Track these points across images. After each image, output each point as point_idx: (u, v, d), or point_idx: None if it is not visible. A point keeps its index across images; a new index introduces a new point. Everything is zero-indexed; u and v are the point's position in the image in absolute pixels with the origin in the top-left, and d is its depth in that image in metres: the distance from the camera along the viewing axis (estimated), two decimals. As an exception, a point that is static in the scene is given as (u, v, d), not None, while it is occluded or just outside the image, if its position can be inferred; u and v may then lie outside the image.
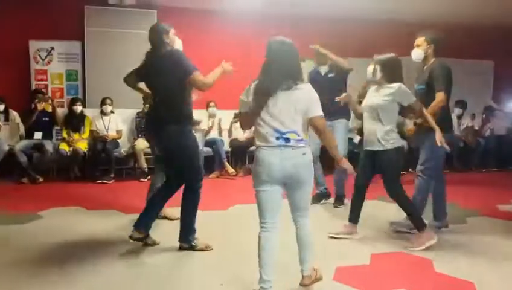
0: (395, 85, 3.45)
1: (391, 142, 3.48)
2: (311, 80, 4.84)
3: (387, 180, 3.55)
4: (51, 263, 3.10)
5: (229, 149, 7.23)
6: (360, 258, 3.26)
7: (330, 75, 4.93)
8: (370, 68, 3.61)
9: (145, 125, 3.54)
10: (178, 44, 3.49)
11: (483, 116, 8.18)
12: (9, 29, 6.79)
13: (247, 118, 2.56)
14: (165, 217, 4.10)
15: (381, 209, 4.59)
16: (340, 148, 4.05)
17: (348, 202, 4.65)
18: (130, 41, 6.88)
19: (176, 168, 3.38)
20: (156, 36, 3.31)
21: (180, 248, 3.38)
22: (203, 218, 4.35)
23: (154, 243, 3.47)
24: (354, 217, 3.73)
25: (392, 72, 3.50)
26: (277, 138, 2.43)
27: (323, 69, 4.97)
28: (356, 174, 3.59)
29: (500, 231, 4.00)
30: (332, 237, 3.67)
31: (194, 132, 3.49)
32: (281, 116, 2.45)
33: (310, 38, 7.14)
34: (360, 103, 3.85)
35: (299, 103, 2.47)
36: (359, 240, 3.66)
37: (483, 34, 8.32)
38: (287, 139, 2.44)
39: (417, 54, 3.89)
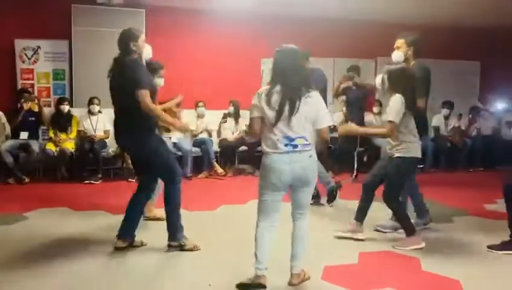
0: (393, 97, 3.43)
1: (399, 150, 3.47)
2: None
3: (385, 186, 3.57)
4: (36, 263, 3.07)
5: (218, 149, 7.21)
6: (348, 257, 3.27)
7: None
8: (378, 78, 3.63)
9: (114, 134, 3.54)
10: (147, 51, 3.42)
11: (470, 116, 8.27)
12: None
13: (258, 123, 2.61)
14: (158, 219, 4.06)
15: (373, 210, 4.60)
16: None
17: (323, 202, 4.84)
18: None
19: (148, 172, 3.40)
20: (123, 42, 3.27)
21: (169, 247, 3.36)
22: (192, 218, 4.35)
23: (141, 244, 3.45)
24: (360, 216, 3.72)
25: (394, 83, 3.47)
26: (286, 145, 2.54)
27: None
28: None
29: (487, 230, 4.05)
30: (338, 237, 3.67)
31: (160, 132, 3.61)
32: (293, 123, 2.54)
33: (299, 39, 7.11)
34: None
35: (310, 111, 2.58)
36: (347, 239, 3.68)
37: (469, 35, 8.42)
38: (295, 146, 2.55)
39: (397, 56, 3.92)
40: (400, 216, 3.62)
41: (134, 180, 6.16)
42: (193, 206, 4.76)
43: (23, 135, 6.27)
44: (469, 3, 6.67)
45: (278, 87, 2.55)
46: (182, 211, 4.40)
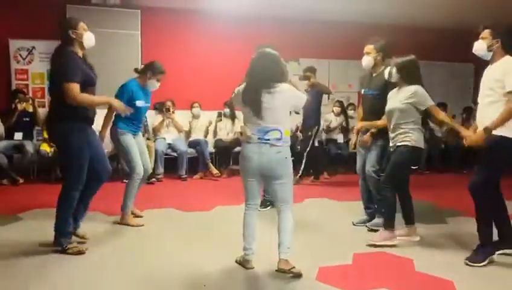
0: (413, 88, 3.50)
1: (403, 140, 3.50)
2: None
3: (385, 174, 3.65)
4: (30, 265, 3.06)
5: (213, 150, 7.21)
6: (342, 258, 3.29)
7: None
8: (386, 72, 3.68)
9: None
10: (88, 38, 3.31)
11: (463, 116, 8.31)
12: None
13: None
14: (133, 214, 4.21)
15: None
16: None
17: None
18: (114, 41, 6.82)
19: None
20: (61, 31, 3.24)
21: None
22: (187, 219, 4.36)
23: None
24: (406, 218, 3.77)
25: (409, 74, 3.53)
26: (258, 137, 2.82)
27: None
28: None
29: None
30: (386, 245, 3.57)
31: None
32: (266, 115, 2.81)
33: (294, 40, 7.20)
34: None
35: (283, 101, 2.85)
36: (341, 240, 3.69)
37: (463, 37, 8.45)
38: (267, 139, 2.81)
39: (367, 61, 3.97)
40: (386, 206, 3.63)
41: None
42: (188, 207, 4.77)
43: (18, 136, 6.24)
44: (463, 5, 6.71)
45: (243, 86, 2.91)
46: (178, 212, 4.43)
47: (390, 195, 3.59)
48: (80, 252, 3.26)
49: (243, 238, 3.00)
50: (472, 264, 3.18)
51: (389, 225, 3.59)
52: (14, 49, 6.82)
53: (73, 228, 3.42)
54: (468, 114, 8.25)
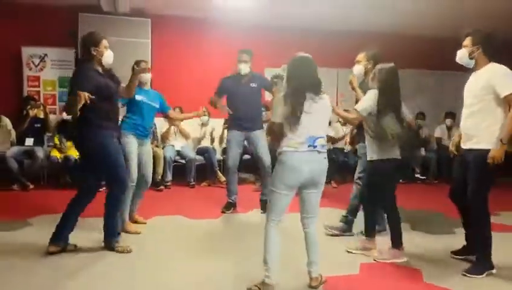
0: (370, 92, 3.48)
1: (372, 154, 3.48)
2: (226, 88, 4.92)
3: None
4: (39, 270, 3.08)
5: (221, 157, 7.23)
6: (349, 268, 3.27)
7: (252, 84, 4.90)
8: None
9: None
10: (108, 56, 3.39)
11: None
12: (2, 35, 6.77)
13: (281, 128, 2.72)
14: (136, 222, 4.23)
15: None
16: (266, 159, 4.75)
17: None
18: (124, 49, 6.86)
19: (92, 172, 3.44)
20: (84, 46, 3.34)
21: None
22: (193, 226, 4.37)
23: (75, 248, 3.51)
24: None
25: (377, 80, 3.44)
26: (308, 145, 2.68)
27: (241, 72, 4.89)
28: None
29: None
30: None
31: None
32: (313, 124, 2.71)
33: (302, 49, 7.15)
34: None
35: (326, 111, 2.82)
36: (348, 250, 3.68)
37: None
38: (315, 146, 2.70)
39: (358, 69, 4.01)
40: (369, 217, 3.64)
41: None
42: (195, 214, 4.78)
43: (29, 142, 6.32)
44: (473, 15, 6.70)
45: (290, 91, 2.73)
46: (184, 219, 4.44)
47: (370, 209, 3.61)
48: (128, 251, 3.43)
49: (265, 260, 2.69)
50: (470, 276, 3.14)
51: (371, 235, 3.61)
52: (26, 57, 6.93)
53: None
54: None
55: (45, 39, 6.89)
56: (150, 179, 4.27)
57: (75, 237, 3.52)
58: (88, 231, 3.81)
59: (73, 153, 6.36)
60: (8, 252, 3.42)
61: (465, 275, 3.14)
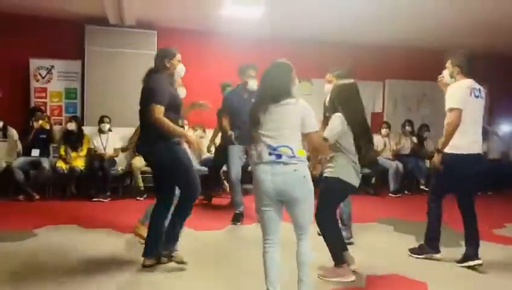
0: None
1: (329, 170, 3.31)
2: (231, 106, 4.98)
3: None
4: (45, 281, 3.08)
5: (225, 168, 7.21)
6: (355, 280, 3.25)
7: (253, 99, 4.91)
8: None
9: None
10: (179, 70, 3.53)
11: None
12: (10, 47, 6.85)
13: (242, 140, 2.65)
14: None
15: (378, 232, 4.59)
16: None
17: None
18: (130, 61, 6.96)
19: (167, 182, 3.46)
20: (158, 59, 3.44)
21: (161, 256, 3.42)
22: (198, 237, 4.36)
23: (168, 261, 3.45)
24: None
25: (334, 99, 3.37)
26: (269, 154, 2.50)
27: (250, 88, 4.93)
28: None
29: (496, 255, 4.01)
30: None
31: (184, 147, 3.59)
32: (273, 132, 2.53)
33: (306, 61, 7.29)
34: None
35: (290, 118, 2.55)
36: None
37: (479, 60, 8.45)
38: (278, 155, 2.49)
39: (328, 88, 4.04)
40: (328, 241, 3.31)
41: (142, 198, 6.22)
42: (200, 225, 4.77)
43: (35, 152, 6.36)
44: (483, 30, 6.75)
45: (256, 98, 2.70)
46: (189, 230, 4.44)
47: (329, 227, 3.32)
48: (182, 262, 3.39)
49: (266, 282, 2.57)
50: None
51: (338, 262, 3.28)
52: (34, 68, 7.00)
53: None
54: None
55: (52, 51, 6.97)
56: None
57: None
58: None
59: (79, 164, 6.41)
60: (14, 263, 3.43)
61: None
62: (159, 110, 3.17)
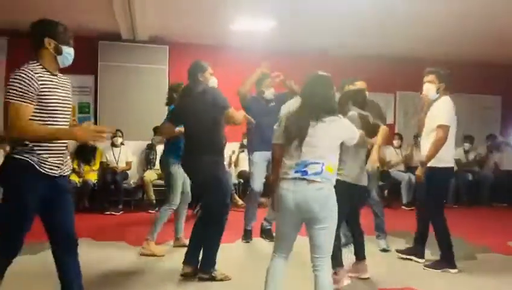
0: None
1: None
2: (251, 108, 4.72)
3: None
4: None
5: (237, 181, 7.23)
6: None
7: (271, 104, 4.81)
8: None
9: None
10: (212, 82, 3.67)
11: (488, 144, 8.16)
12: (25, 62, 6.97)
13: (278, 149, 2.56)
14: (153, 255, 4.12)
15: (391, 244, 4.54)
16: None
17: None
18: (142, 76, 7.06)
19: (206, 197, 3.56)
20: (192, 73, 3.55)
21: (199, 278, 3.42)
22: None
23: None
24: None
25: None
26: (296, 171, 2.39)
27: (267, 97, 4.88)
28: None
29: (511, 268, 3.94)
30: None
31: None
32: (307, 148, 2.40)
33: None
34: None
35: (331, 136, 2.46)
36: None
37: (490, 70, 8.41)
38: (305, 172, 2.37)
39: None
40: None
41: (154, 211, 6.25)
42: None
43: (49, 166, 6.43)
44: (494, 41, 6.72)
45: (294, 112, 2.52)
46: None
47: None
48: (227, 278, 3.43)
49: None
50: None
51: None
52: (48, 84, 7.11)
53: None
54: (492, 143, 8.09)
55: (66, 67, 7.07)
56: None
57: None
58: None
59: (92, 177, 6.47)
60: (28, 276, 3.46)
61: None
62: (234, 111, 3.45)
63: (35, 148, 2.27)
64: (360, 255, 3.61)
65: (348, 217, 3.41)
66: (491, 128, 8.69)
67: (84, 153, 6.66)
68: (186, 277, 3.42)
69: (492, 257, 4.34)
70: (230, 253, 4.34)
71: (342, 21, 6.01)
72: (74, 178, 6.41)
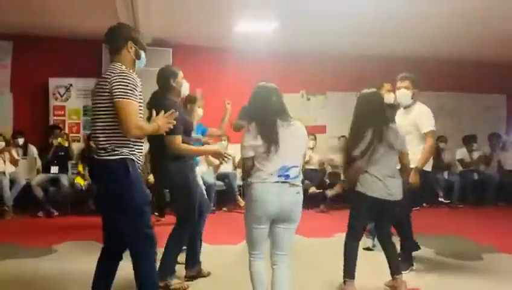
0: None
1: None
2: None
3: None
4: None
5: (241, 183, 7.23)
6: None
7: None
8: None
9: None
10: (185, 87, 3.53)
11: (491, 142, 8.08)
12: (32, 67, 7.03)
13: (251, 161, 2.54)
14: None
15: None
16: None
17: None
18: (146, 79, 6.94)
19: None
20: (163, 79, 3.37)
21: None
22: (213, 252, 4.36)
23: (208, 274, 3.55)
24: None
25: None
26: (279, 175, 2.47)
27: None
28: None
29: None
30: None
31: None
32: (287, 150, 2.49)
33: (317, 74, 7.29)
34: None
35: (299, 137, 2.60)
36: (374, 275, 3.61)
37: (495, 69, 8.37)
38: (287, 176, 2.48)
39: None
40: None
41: (157, 213, 6.24)
42: (215, 240, 4.77)
43: (54, 169, 6.47)
44: (495, 38, 6.68)
45: (253, 123, 2.54)
46: (204, 245, 4.44)
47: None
48: (182, 288, 3.27)
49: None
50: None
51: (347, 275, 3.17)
52: (52, 87, 7.16)
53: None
54: (495, 141, 8.01)
55: (70, 70, 7.12)
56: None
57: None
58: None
59: (97, 180, 6.49)
60: (34, 279, 3.47)
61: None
62: (175, 141, 3.09)
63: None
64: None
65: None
66: (496, 127, 8.63)
67: (89, 156, 6.68)
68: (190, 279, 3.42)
69: (499, 257, 4.31)
70: (231, 254, 4.34)
71: (344, 22, 6.01)
72: (79, 181, 6.44)
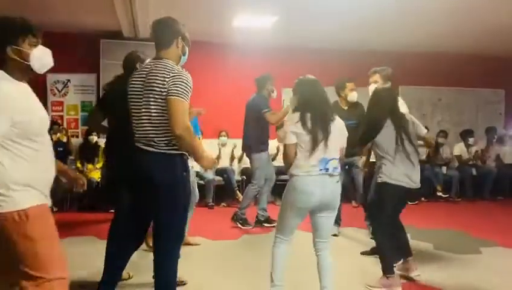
0: None
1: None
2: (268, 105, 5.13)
3: None
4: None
5: (240, 178, 7.24)
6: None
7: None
8: None
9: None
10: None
11: (487, 136, 8.08)
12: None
13: (294, 149, 2.61)
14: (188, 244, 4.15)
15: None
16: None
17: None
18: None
19: None
20: (131, 63, 3.29)
21: None
22: (214, 247, 4.37)
23: (129, 277, 3.39)
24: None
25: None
26: (320, 168, 2.58)
27: (274, 98, 5.39)
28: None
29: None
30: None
31: None
32: (328, 146, 2.60)
33: (318, 68, 7.27)
34: None
35: (340, 131, 2.71)
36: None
37: (493, 64, 8.37)
38: (327, 169, 2.59)
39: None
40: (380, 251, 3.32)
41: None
42: (215, 235, 4.78)
43: (53, 165, 6.45)
44: (493, 32, 6.68)
45: (308, 115, 2.61)
46: (205, 240, 4.45)
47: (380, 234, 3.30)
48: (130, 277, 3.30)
49: (272, 275, 2.68)
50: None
51: (386, 271, 3.19)
52: (50, 83, 7.14)
53: None
54: (491, 136, 8.00)
55: (68, 65, 7.09)
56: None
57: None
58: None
59: (95, 176, 6.49)
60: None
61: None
62: None
63: None
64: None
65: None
66: (495, 122, 8.64)
67: (88, 152, 6.68)
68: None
69: (497, 251, 4.33)
70: (232, 249, 4.35)
71: (343, 16, 6.00)
72: (94, 175, 6.44)
